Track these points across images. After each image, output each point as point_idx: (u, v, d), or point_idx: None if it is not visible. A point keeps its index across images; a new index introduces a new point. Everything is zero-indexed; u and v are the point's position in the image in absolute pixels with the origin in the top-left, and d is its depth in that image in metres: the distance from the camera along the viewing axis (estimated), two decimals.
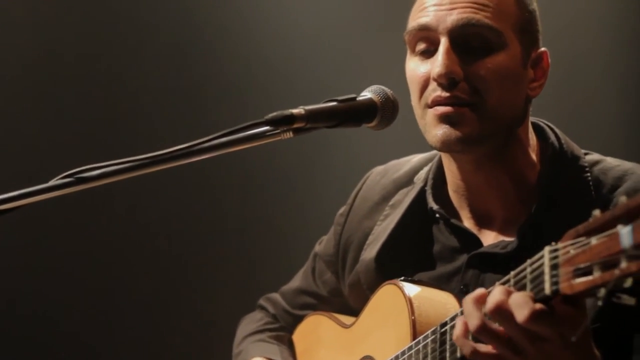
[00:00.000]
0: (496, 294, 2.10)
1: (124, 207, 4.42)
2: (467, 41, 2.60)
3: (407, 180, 2.94)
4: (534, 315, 2.04)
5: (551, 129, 2.77)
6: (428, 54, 2.65)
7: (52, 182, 2.18)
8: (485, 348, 2.17)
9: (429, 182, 2.82)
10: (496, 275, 2.46)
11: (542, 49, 2.71)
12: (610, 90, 4.28)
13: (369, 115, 2.39)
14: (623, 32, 4.26)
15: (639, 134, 4.23)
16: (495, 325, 2.13)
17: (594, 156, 2.73)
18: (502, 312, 2.09)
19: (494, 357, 2.16)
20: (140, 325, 4.41)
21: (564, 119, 2.99)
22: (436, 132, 2.60)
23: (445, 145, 2.61)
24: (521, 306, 2.05)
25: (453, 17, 2.59)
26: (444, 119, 2.59)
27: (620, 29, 4.26)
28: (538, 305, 2.04)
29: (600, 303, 1.87)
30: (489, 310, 2.11)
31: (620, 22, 4.25)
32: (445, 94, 2.58)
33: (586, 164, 2.68)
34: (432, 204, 2.78)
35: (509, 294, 2.09)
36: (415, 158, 3.00)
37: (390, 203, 2.93)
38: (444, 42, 2.59)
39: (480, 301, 2.16)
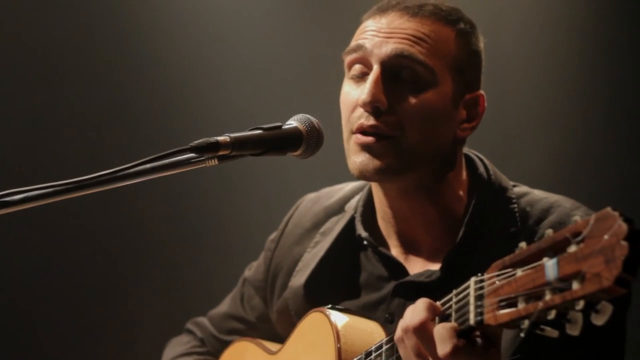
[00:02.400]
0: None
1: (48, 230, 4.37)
2: (397, 72, 2.60)
3: (338, 208, 2.94)
4: (455, 350, 2.05)
5: (481, 160, 2.77)
6: (361, 78, 2.65)
7: None
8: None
9: (359, 210, 2.82)
10: None
11: (480, 92, 2.71)
12: (536, 123, 4.33)
13: (295, 143, 2.37)
14: (551, 65, 4.32)
15: (565, 167, 4.28)
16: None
17: (522, 188, 2.74)
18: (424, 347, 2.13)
19: None
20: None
21: (493, 150, 3.02)
22: (355, 159, 2.61)
23: (362, 174, 2.61)
24: (444, 340, 2.07)
25: (388, 47, 2.60)
26: (365, 148, 2.59)
27: (548, 63, 4.32)
28: (461, 341, 2.06)
29: (522, 334, 1.89)
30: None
31: (547, 57, 4.32)
32: (369, 123, 2.58)
33: (513, 196, 2.69)
34: (361, 231, 2.78)
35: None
36: (348, 187, 3.00)
37: (321, 230, 2.93)
38: (375, 70, 2.60)
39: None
